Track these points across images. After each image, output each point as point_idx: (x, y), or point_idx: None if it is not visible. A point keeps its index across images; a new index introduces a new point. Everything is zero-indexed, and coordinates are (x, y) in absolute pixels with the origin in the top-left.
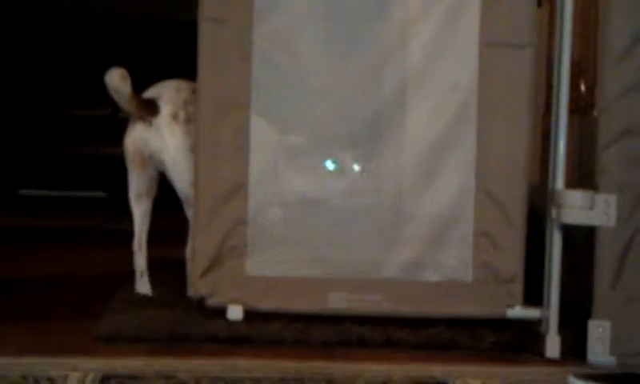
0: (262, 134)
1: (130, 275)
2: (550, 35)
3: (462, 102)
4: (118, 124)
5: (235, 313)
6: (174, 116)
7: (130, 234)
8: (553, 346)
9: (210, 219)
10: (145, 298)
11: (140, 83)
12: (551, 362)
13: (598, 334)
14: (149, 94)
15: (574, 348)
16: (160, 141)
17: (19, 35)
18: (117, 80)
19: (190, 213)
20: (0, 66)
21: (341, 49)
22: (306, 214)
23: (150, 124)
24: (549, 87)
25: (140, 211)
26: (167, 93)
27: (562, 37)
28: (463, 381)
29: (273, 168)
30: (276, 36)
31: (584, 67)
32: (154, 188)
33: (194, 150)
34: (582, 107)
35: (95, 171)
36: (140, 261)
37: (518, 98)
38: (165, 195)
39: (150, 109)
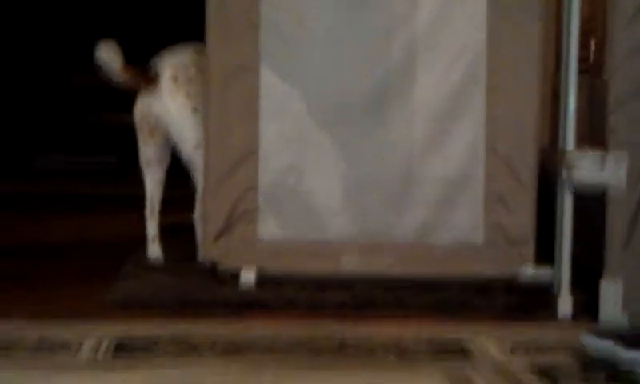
0: (273, 101)
1: (142, 241)
2: None
3: (471, 64)
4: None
5: (247, 277)
6: (174, 79)
7: (142, 199)
8: (565, 305)
9: (221, 185)
10: (157, 263)
11: (149, 49)
12: (563, 321)
13: (610, 294)
14: (153, 60)
15: (586, 308)
16: (162, 104)
17: (29, 2)
18: (106, 53)
19: (195, 176)
20: (13, 34)
21: (349, 14)
22: (317, 179)
23: (154, 91)
24: (558, 46)
25: (151, 178)
26: (167, 58)
27: None
28: (476, 341)
29: (283, 134)
30: (284, 3)
31: (593, 26)
32: (165, 156)
33: (196, 111)
34: (591, 67)
35: (108, 137)
36: (152, 227)
37: (527, 58)
38: (176, 161)
39: (148, 78)
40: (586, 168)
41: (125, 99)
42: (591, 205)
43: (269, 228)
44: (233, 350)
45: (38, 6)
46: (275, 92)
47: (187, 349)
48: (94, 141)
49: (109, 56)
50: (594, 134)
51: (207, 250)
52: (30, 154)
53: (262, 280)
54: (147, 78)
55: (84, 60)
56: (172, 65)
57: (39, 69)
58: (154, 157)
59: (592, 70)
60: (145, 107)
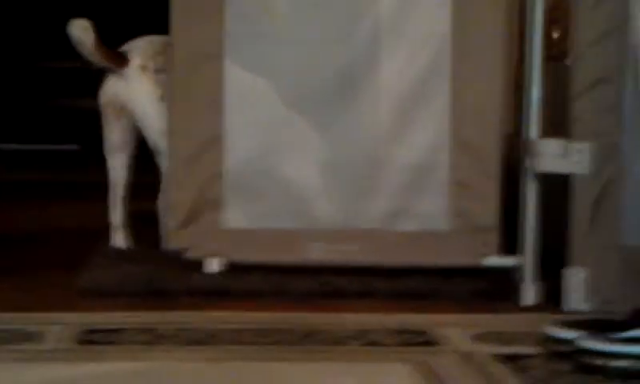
0: (237, 86)
1: (107, 229)
2: None
3: (435, 52)
4: (93, 76)
5: (213, 265)
6: (143, 67)
7: (106, 187)
8: (528, 293)
9: (186, 172)
10: (122, 251)
11: (115, 36)
12: (528, 309)
13: (574, 282)
14: (124, 47)
15: (551, 295)
16: (129, 90)
17: None
18: (79, 31)
19: (161, 163)
20: None
21: None
22: (282, 166)
23: (121, 76)
24: (522, 35)
25: (114, 164)
26: (139, 45)
27: None
28: (441, 329)
29: (248, 120)
30: None
31: (557, 14)
32: (130, 142)
33: (163, 99)
34: (555, 55)
35: (70, 124)
36: (115, 215)
37: (491, 46)
38: (142, 148)
39: (119, 60)
40: (550, 156)
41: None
42: (557, 192)
43: (234, 216)
44: (199, 340)
45: None
46: (240, 78)
47: (153, 338)
48: (56, 128)
49: (81, 34)
50: (557, 123)
51: (172, 238)
52: None
53: (229, 268)
54: (119, 60)
55: (49, 45)
56: (142, 52)
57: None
58: (118, 141)
59: (556, 59)
60: (111, 91)
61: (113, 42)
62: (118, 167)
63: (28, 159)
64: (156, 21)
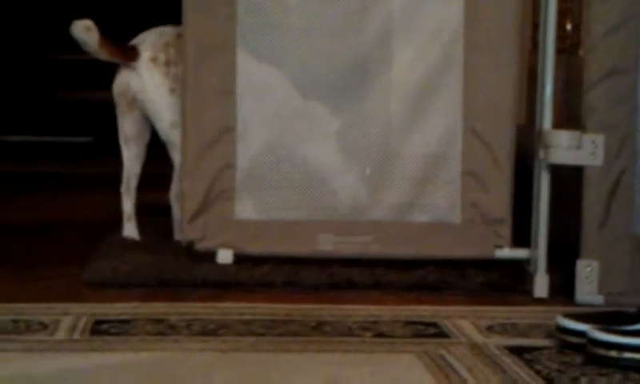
0: (249, 77)
1: (118, 221)
2: None
3: (448, 43)
4: (104, 68)
5: (225, 257)
6: (154, 59)
7: (118, 179)
8: (541, 285)
9: (198, 163)
10: (133, 242)
11: (125, 29)
12: (539, 301)
13: (586, 274)
14: (133, 41)
15: (563, 287)
16: (140, 83)
17: None
18: (82, 32)
19: (172, 155)
20: None
21: None
22: (294, 157)
23: (133, 68)
24: (535, 26)
25: (129, 154)
26: (149, 37)
27: None
28: (452, 321)
29: (260, 111)
30: None
31: (570, 5)
32: (144, 132)
33: (174, 91)
34: (568, 47)
35: (82, 116)
36: (128, 205)
37: (504, 37)
38: (154, 139)
39: (128, 54)
40: (563, 147)
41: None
42: (569, 183)
43: (246, 207)
44: (210, 331)
45: None
46: (252, 69)
47: (164, 329)
48: (70, 120)
49: (84, 34)
50: (571, 114)
51: (184, 229)
52: (1, 133)
53: (239, 259)
54: (126, 54)
55: (62, 36)
56: (152, 45)
57: (9, 45)
58: (131, 132)
59: (569, 50)
60: (122, 83)
61: (124, 33)
62: (131, 158)
63: (42, 151)
64: (166, 11)
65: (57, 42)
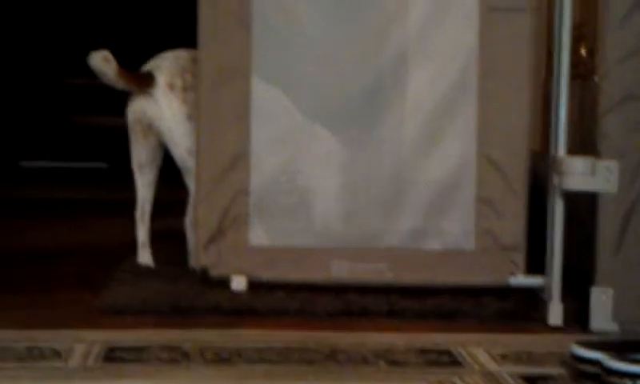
0: (264, 103)
1: (132, 246)
2: None
3: (462, 69)
4: (120, 94)
5: (239, 283)
6: (171, 85)
7: (132, 205)
8: (555, 313)
9: (212, 189)
10: (147, 269)
11: (140, 52)
12: (554, 329)
13: (601, 301)
14: (149, 65)
15: (577, 315)
16: (157, 110)
17: (18, 3)
18: (100, 63)
19: (188, 182)
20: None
21: (341, 14)
22: (309, 183)
23: (149, 94)
24: (549, 52)
25: (143, 181)
26: (164, 62)
27: (562, 0)
28: (466, 349)
29: (274, 137)
30: (276, 3)
31: (585, 32)
32: (157, 158)
33: (191, 118)
34: (582, 73)
35: (97, 142)
36: (142, 232)
37: (519, 63)
38: (168, 165)
39: (144, 81)
40: (577, 174)
41: (116, 102)
42: (583, 210)
43: (259, 234)
44: (224, 358)
45: (26, 7)
46: (266, 95)
47: (178, 356)
48: (84, 146)
49: (102, 65)
50: (585, 140)
51: (198, 256)
52: (17, 158)
53: (254, 286)
54: (143, 82)
55: (73, 61)
56: (169, 71)
57: (27, 70)
58: (146, 159)
59: (583, 76)
60: (138, 109)
61: (139, 57)
62: (145, 184)
63: (57, 177)
64: (181, 34)
65: (74, 67)
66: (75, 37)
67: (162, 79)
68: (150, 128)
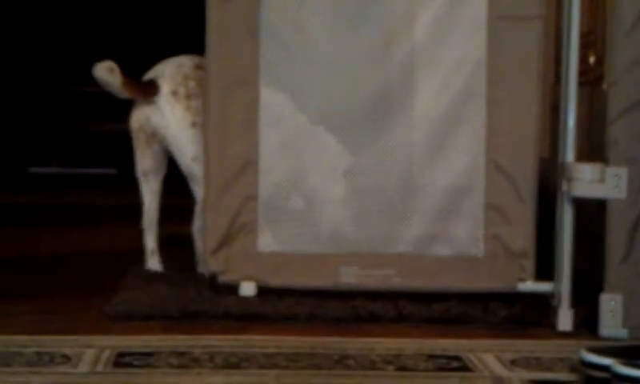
0: (272, 110)
1: (141, 252)
2: (559, 6)
3: (470, 76)
4: (128, 101)
5: (247, 289)
6: (174, 93)
7: (141, 210)
8: (565, 319)
9: (221, 196)
10: (156, 275)
11: (147, 60)
12: (563, 335)
13: (610, 307)
14: (152, 72)
15: (586, 321)
16: (161, 117)
17: (28, 11)
18: (104, 74)
19: (194, 188)
20: (9, 42)
21: (349, 23)
22: (317, 190)
23: (153, 102)
24: (557, 60)
25: (147, 189)
26: (167, 70)
27: (570, 8)
28: (475, 355)
29: (283, 144)
30: (283, 11)
31: (593, 39)
32: (162, 166)
33: (195, 124)
34: (591, 80)
35: (106, 148)
36: (150, 239)
37: (527, 70)
38: (174, 172)
39: (149, 89)
40: (586, 180)
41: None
42: (592, 216)
43: (268, 240)
44: (233, 364)
45: (34, 14)
46: (274, 102)
47: (187, 361)
48: (94, 152)
49: (107, 76)
50: (594, 147)
51: (207, 262)
52: (26, 164)
53: (262, 291)
54: (149, 90)
55: (82, 69)
56: (172, 78)
57: (36, 77)
58: (150, 167)
59: (592, 83)
60: (142, 117)
61: (148, 65)
62: (150, 192)
63: (66, 183)
64: (189, 41)
65: (82, 75)
66: (84, 45)
67: (165, 87)
68: (153, 136)
